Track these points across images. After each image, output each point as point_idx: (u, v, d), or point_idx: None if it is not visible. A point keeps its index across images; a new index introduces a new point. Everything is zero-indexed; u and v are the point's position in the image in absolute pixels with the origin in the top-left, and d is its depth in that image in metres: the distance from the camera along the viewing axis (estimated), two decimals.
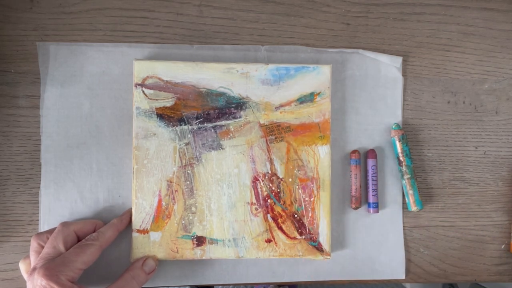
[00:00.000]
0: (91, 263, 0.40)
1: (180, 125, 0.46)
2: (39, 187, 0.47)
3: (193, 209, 0.46)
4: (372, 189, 0.49)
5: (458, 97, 0.52)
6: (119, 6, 0.48)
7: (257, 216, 0.46)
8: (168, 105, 0.46)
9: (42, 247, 0.41)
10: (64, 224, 0.42)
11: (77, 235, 0.42)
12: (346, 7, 0.51)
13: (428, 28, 0.51)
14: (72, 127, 0.47)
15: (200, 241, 0.46)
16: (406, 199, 0.50)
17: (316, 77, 0.47)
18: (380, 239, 0.50)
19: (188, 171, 0.46)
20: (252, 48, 0.49)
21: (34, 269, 0.37)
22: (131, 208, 0.46)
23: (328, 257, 0.47)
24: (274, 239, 0.46)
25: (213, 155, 0.46)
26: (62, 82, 0.47)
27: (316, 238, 0.47)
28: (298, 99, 0.47)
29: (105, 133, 0.48)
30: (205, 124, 0.46)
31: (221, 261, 0.48)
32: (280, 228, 0.47)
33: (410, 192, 0.49)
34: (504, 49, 0.52)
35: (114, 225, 0.44)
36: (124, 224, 0.45)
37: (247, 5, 0.50)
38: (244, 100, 0.47)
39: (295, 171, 0.47)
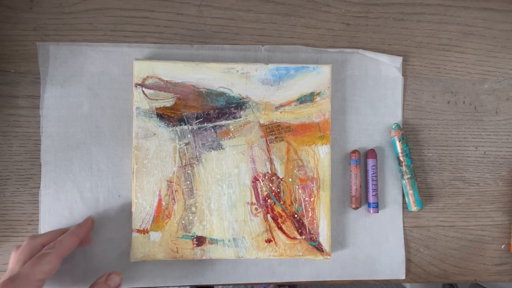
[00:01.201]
0: (52, 271, 0.39)
1: (180, 125, 0.46)
2: (39, 187, 0.47)
3: (193, 209, 0.46)
4: (372, 189, 0.49)
5: (458, 97, 0.52)
6: (119, 6, 0.48)
7: (257, 216, 0.46)
8: (168, 105, 0.46)
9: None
10: (31, 238, 0.41)
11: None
12: (346, 7, 0.51)
13: (428, 28, 0.51)
14: (72, 127, 0.47)
15: (200, 241, 0.46)
16: (406, 199, 0.50)
17: (316, 77, 0.47)
18: (380, 239, 0.50)
19: (188, 171, 0.46)
20: (252, 48, 0.49)
21: None
22: (91, 217, 0.46)
23: (328, 257, 0.47)
24: (274, 239, 0.46)
25: (213, 155, 0.46)
26: (62, 82, 0.47)
27: (316, 238, 0.47)
28: (298, 99, 0.47)
29: (105, 133, 0.48)
30: (205, 124, 0.46)
31: (221, 261, 0.48)
32: (280, 228, 0.47)
33: (410, 192, 0.49)
34: (504, 49, 0.52)
35: (73, 232, 0.43)
36: (83, 231, 0.44)
37: (247, 5, 0.50)
38: (244, 100, 0.47)
39: (295, 171, 0.47)
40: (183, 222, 0.46)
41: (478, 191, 0.52)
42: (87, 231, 0.45)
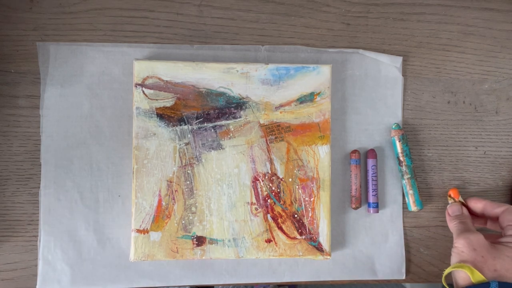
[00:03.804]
0: None
1: (180, 125, 0.46)
2: (39, 187, 0.47)
3: (193, 209, 0.46)
4: (372, 189, 0.49)
5: (458, 97, 0.52)
6: (119, 6, 0.48)
7: (257, 216, 0.46)
8: (168, 105, 0.46)
9: None
10: None
11: None
12: (346, 7, 0.51)
13: (428, 28, 0.51)
14: (72, 127, 0.47)
15: (200, 241, 0.46)
16: (406, 199, 0.50)
17: (316, 77, 0.47)
18: (380, 239, 0.50)
19: (188, 171, 0.46)
20: (252, 48, 0.49)
21: None
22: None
23: (328, 257, 0.47)
24: (274, 239, 0.46)
25: (213, 155, 0.46)
26: (62, 82, 0.47)
27: (316, 238, 0.47)
28: (298, 99, 0.47)
29: (105, 133, 0.48)
30: (205, 124, 0.46)
31: (221, 261, 0.48)
32: (280, 228, 0.47)
33: (410, 192, 0.49)
34: (504, 49, 0.52)
35: None
36: None
37: (247, 5, 0.50)
38: (244, 100, 0.47)
39: (295, 171, 0.47)
40: (183, 222, 0.46)
41: (478, 191, 0.52)
42: None
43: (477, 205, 0.46)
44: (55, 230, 0.46)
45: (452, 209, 0.46)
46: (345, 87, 0.50)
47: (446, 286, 0.41)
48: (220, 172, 0.46)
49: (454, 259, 0.40)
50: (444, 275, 0.41)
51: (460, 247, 0.40)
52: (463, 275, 0.39)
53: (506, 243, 0.40)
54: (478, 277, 0.37)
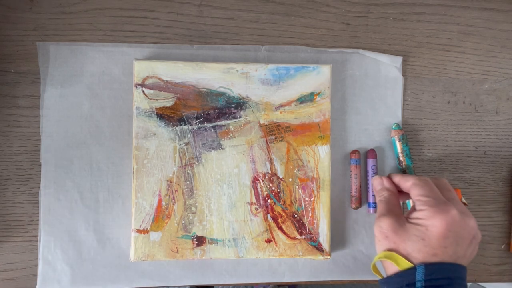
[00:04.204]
0: None
1: (180, 125, 0.46)
2: (39, 187, 0.47)
3: (193, 209, 0.46)
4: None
5: (458, 97, 0.52)
6: (119, 6, 0.48)
7: (257, 216, 0.46)
8: (168, 105, 0.46)
9: None
10: None
11: None
12: (346, 7, 0.51)
13: (428, 28, 0.51)
14: (72, 127, 0.47)
15: (200, 241, 0.46)
16: None
17: (316, 77, 0.47)
18: None
19: (188, 171, 0.46)
20: (252, 48, 0.49)
21: None
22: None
23: (328, 257, 0.47)
24: (274, 239, 0.46)
25: (213, 155, 0.46)
26: (62, 82, 0.47)
27: (316, 238, 0.47)
28: (298, 99, 0.47)
29: (105, 133, 0.48)
30: (205, 124, 0.46)
31: (221, 261, 0.48)
32: (280, 228, 0.47)
33: None
34: (504, 49, 0.52)
35: None
36: None
37: (247, 5, 0.50)
38: (244, 100, 0.47)
39: (295, 171, 0.47)
40: (183, 222, 0.46)
41: (478, 191, 0.52)
42: None
43: (394, 180, 0.43)
44: (55, 230, 0.46)
45: (374, 183, 0.44)
46: (345, 87, 0.50)
47: (379, 275, 0.40)
48: (220, 172, 0.46)
49: (376, 248, 0.40)
50: (372, 265, 0.40)
51: (376, 235, 0.39)
52: (388, 263, 0.37)
53: (412, 219, 0.38)
54: (404, 263, 0.36)
